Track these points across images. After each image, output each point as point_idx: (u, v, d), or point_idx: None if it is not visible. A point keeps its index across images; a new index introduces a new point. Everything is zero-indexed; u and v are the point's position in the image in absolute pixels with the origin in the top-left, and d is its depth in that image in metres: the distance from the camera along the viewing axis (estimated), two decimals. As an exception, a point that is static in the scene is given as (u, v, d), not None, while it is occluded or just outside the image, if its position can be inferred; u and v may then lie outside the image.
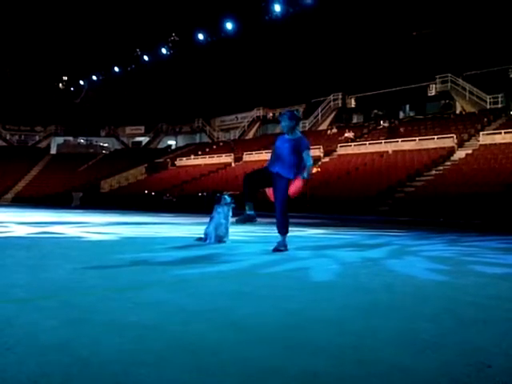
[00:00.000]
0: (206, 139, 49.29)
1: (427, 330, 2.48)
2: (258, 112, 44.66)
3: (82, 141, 52.39)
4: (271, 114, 44.59)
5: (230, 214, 6.94)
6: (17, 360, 1.90)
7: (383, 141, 29.23)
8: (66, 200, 34.47)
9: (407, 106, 37.43)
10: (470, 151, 24.77)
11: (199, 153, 40.51)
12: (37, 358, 1.93)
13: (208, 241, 6.79)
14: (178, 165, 39.85)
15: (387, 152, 27.86)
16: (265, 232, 10.01)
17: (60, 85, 54.63)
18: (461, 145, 26.32)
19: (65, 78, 54.15)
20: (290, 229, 5.98)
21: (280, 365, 1.91)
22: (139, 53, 45.98)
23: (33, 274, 3.98)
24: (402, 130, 30.49)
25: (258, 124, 44.93)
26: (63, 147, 51.17)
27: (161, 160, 42.64)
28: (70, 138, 52.45)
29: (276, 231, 6.03)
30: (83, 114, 51.97)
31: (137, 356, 1.98)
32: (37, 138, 54.23)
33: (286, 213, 5.87)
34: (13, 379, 1.71)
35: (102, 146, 52.24)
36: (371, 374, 1.83)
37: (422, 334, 2.40)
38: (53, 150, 51.05)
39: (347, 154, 29.61)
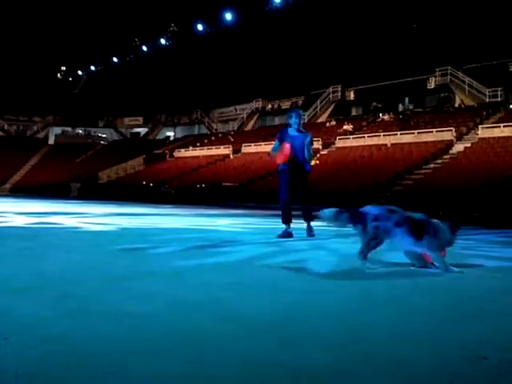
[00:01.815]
0: (204, 130, 49.19)
1: (424, 322, 2.48)
2: (256, 104, 44.55)
3: (80, 131, 52.23)
4: (270, 106, 44.47)
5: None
6: (14, 350, 1.90)
7: (382, 133, 29.21)
8: (64, 191, 34.42)
9: (406, 99, 37.34)
10: (468, 144, 24.78)
11: (198, 144, 40.44)
12: (34, 348, 1.93)
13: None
14: (176, 156, 39.79)
15: (386, 145, 27.84)
16: (262, 224, 10.03)
17: (58, 75, 54.37)
18: (459, 138, 26.31)
19: (63, 68, 53.89)
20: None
21: (278, 357, 1.91)
22: (138, 43, 45.73)
23: (30, 265, 3.98)
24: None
25: (256, 116, 44.84)
26: (61, 138, 51.01)
27: (159, 151, 42.56)
28: (68, 129, 52.28)
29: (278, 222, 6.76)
30: (81, 105, 51.78)
31: (134, 346, 1.98)
32: (35, 128, 54.05)
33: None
34: (10, 369, 1.72)
35: (100, 137, 52.09)
36: (369, 367, 1.84)
37: (419, 326, 2.41)
38: (51, 141, 50.89)
39: (346, 147, 29.59)
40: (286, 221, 6.71)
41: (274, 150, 7.01)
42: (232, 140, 38.11)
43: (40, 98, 51.05)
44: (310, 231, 6.82)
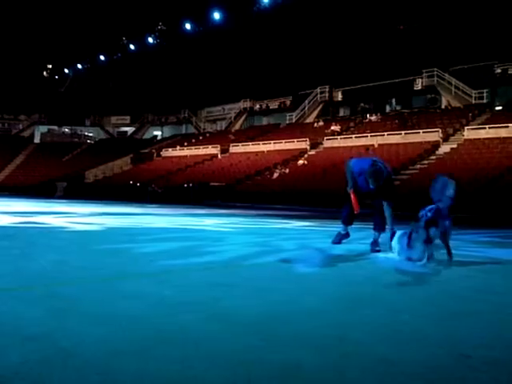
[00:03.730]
0: (192, 130, 49.00)
1: (410, 321, 2.50)
2: (244, 103, 44.49)
3: (66, 130, 51.75)
4: (258, 106, 44.46)
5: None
6: (-2, 350, 1.88)
7: (369, 134, 29.34)
8: (49, 190, 34.07)
9: (393, 100, 37.55)
10: (454, 146, 24.99)
11: (185, 144, 40.29)
12: (19, 348, 1.91)
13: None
14: (163, 156, 39.61)
15: (373, 145, 27.98)
16: (250, 224, 10.03)
17: (44, 73, 53.83)
18: (446, 139, 26.51)
19: (49, 66, 53.36)
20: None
21: (264, 356, 1.91)
22: (125, 42, 45.46)
23: (16, 264, 3.93)
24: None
25: (244, 116, 44.79)
26: (47, 136, 50.49)
27: (146, 150, 42.33)
28: (55, 127, 51.76)
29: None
30: (68, 103, 51.31)
31: (120, 347, 1.97)
32: (20, 126, 53.42)
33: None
34: (-6, 370, 1.69)
35: (87, 136, 51.65)
36: (355, 366, 1.84)
37: (406, 325, 2.42)
38: (36, 139, 50.34)
39: (333, 147, 29.68)
40: (346, 222, 6.16)
41: (348, 181, 5.98)
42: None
43: (26, 96, 50.47)
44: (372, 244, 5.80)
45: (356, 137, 29.93)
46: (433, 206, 4.78)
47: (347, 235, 6.20)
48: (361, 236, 6.87)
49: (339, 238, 6.16)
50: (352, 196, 5.92)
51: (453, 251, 5.85)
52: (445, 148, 25.21)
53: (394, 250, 5.05)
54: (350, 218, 6.12)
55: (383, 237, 5.75)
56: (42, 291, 2.96)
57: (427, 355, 1.98)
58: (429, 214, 4.64)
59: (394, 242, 5.04)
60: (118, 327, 2.23)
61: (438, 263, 4.64)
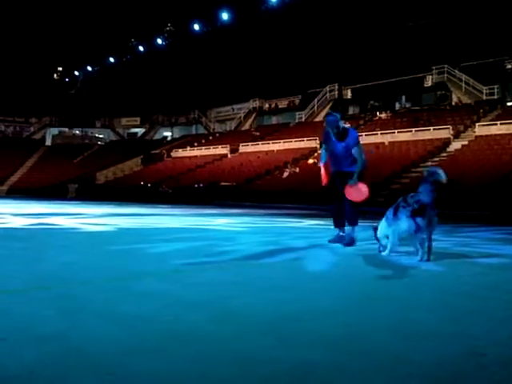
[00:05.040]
0: (202, 130, 49.11)
1: (423, 320, 2.48)
2: (254, 103, 44.49)
3: (77, 132, 52.11)
4: (267, 105, 44.43)
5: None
6: (12, 350, 1.90)
7: (379, 132, 29.21)
8: (61, 191, 34.34)
9: (403, 97, 37.32)
10: (465, 142, 24.80)
11: (195, 144, 40.38)
12: (33, 347, 1.93)
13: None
14: (173, 156, 39.74)
15: (383, 143, 27.85)
16: (260, 223, 10.03)
17: (55, 75, 54.23)
18: (457, 136, 26.33)
19: (60, 68, 53.74)
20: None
21: (274, 355, 1.91)
22: (134, 43, 45.66)
23: (29, 265, 3.97)
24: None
25: (254, 115, 44.78)
26: (58, 138, 50.89)
27: (157, 151, 42.49)
28: (65, 130, 52.15)
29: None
30: (78, 105, 51.61)
31: (132, 346, 1.98)
32: (31, 129, 53.90)
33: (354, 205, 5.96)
34: (8, 368, 1.71)
35: (98, 138, 51.99)
36: (367, 365, 1.83)
37: (418, 324, 2.41)
38: (48, 142, 50.76)
39: (343, 146, 29.55)
40: (336, 225, 6.16)
41: (322, 158, 6.31)
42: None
43: (37, 99, 50.88)
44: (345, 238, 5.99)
45: (366, 135, 29.72)
46: (416, 197, 4.75)
47: (343, 238, 6.08)
48: (371, 234, 6.86)
49: (338, 239, 6.05)
50: (322, 173, 6.08)
51: (466, 248, 5.83)
52: (456, 145, 25.03)
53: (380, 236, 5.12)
54: (337, 219, 6.11)
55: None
56: (54, 291, 2.99)
57: (440, 353, 1.96)
58: (415, 206, 4.67)
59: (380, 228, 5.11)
60: (130, 326, 2.25)
61: (450, 261, 4.60)
